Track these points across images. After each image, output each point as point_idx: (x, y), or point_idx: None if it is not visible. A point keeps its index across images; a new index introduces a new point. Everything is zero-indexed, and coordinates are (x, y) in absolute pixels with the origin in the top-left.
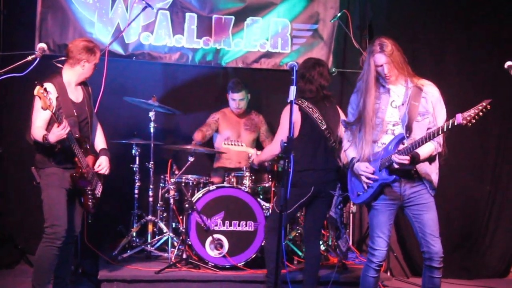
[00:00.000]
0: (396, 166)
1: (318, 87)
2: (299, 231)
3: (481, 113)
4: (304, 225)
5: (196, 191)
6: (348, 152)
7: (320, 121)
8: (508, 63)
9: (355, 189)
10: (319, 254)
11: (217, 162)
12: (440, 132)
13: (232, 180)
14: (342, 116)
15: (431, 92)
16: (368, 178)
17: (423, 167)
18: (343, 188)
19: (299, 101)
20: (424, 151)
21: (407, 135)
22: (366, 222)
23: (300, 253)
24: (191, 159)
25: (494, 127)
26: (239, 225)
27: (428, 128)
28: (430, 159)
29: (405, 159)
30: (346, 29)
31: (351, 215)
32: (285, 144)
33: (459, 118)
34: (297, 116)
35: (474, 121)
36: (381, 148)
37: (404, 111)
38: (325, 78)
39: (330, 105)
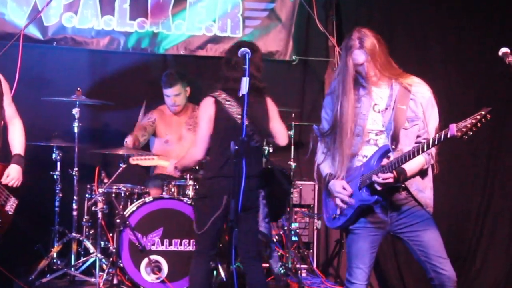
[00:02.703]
0: (378, 187)
1: None
2: None
3: (479, 124)
4: (239, 250)
5: (129, 203)
6: (323, 166)
7: (239, 116)
8: (503, 49)
9: (331, 211)
10: (262, 280)
11: (154, 169)
12: (430, 146)
13: (173, 190)
14: (273, 109)
15: (421, 92)
16: (344, 201)
17: (413, 183)
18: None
19: (216, 93)
20: (412, 165)
21: (393, 146)
22: (333, 241)
23: None
24: (123, 165)
25: (485, 129)
26: (180, 244)
27: (417, 136)
28: (422, 173)
29: (388, 177)
30: (309, 8)
31: (315, 232)
32: (236, 148)
33: (453, 130)
34: (211, 110)
35: (471, 133)
36: (362, 162)
37: (389, 117)
38: (255, 65)
39: (256, 98)
